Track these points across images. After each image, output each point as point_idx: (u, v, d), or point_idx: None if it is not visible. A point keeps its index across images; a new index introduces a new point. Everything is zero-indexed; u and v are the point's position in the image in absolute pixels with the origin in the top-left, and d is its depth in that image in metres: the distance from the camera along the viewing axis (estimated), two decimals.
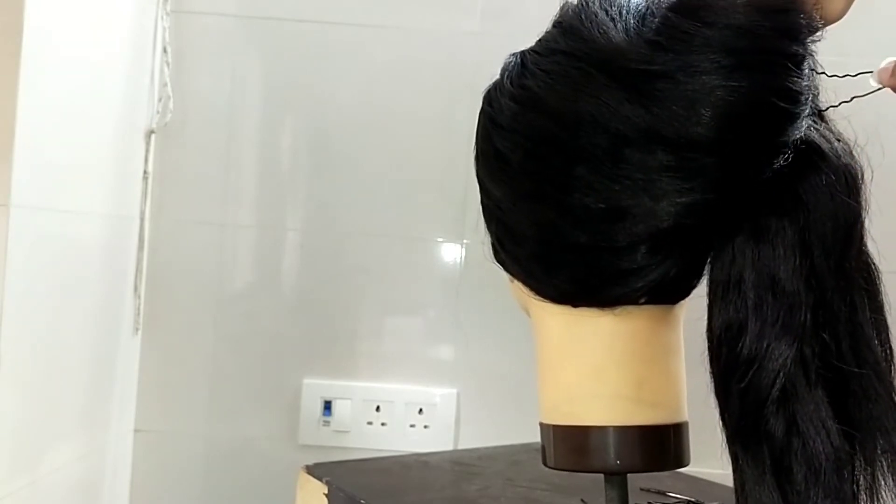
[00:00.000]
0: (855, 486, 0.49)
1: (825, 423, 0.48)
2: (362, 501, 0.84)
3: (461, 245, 1.28)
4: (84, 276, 1.07)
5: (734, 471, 0.50)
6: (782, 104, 0.49)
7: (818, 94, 0.53)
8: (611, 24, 0.52)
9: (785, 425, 0.48)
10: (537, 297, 0.57)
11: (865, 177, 0.50)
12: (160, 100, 1.26)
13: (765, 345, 0.48)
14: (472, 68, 1.18)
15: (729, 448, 0.50)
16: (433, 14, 1.27)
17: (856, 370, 0.49)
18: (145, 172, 1.25)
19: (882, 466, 0.49)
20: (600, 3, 0.53)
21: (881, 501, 0.49)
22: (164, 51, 1.25)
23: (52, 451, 1.01)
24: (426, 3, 1.28)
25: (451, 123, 1.25)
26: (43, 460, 0.98)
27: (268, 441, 1.28)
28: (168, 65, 1.26)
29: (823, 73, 0.52)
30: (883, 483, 0.49)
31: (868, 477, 0.49)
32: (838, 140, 0.51)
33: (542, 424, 0.59)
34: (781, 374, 0.48)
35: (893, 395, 0.50)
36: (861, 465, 0.49)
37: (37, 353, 0.94)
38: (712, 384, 0.51)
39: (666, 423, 0.55)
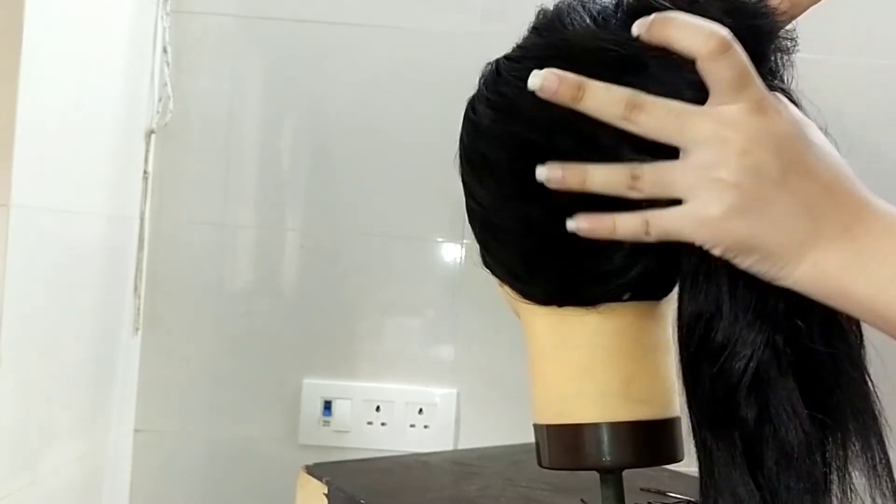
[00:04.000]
0: (826, 469, 0.50)
1: (796, 408, 0.49)
2: (362, 501, 0.84)
3: (461, 245, 1.28)
4: (84, 276, 1.07)
5: (700, 457, 0.51)
6: None
7: (786, 90, 0.53)
8: (586, 19, 0.52)
9: (756, 411, 0.49)
10: (523, 299, 0.58)
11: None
12: (160, 100, 1.26)
13: (737, 331, 0.49)
14: (472, 68, 1.18)
15: (696, 435, 0.51)
16: (433, 14, 1.27)
17: (828, 354, 0.50)
18: (145, 172, 1.25)
19: (854, 447, 0.50)
20: (578, 4, 0.54)
21: (852, 481, 0.50)
22: (164, 51, 1.25)
23: (52, 451, 1.01)
24: (426, 3, 1.28)
25: (451, 123, 1.24)
26: (43, 460, 0.98)
27: (268, 441, 1.28)
28: (168, 65, 1.26)
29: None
30: (855, 464, 0.50)
31: (840, 458, 0.50)
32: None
33: (535, 425, 0.60)
34: (754, 359, 0.48)
35: (866, 376, 0.51)
36: (832, 448, 0.50)
37: (37, 353, 0.94)
38: (681, 371, 0.51)
39: (655, 418, 0.56)
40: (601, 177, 0.49)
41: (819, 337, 0.50)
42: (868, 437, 0.50)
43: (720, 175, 0.46)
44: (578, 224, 0.50)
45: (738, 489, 0.49)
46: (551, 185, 0.50)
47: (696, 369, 0.51)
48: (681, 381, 0.52)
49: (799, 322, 0.49)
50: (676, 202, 0.48)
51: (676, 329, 0.52)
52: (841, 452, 0.50)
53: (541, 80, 0.49)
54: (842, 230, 0.46)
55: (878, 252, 0.46)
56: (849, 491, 0.50)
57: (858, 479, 0.50)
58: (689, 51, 0.47)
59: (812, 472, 0.49)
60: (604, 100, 0.48)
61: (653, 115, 0.47)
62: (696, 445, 0.51)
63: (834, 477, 0.50)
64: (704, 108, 0.47)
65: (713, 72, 0.47)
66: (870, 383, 0.51)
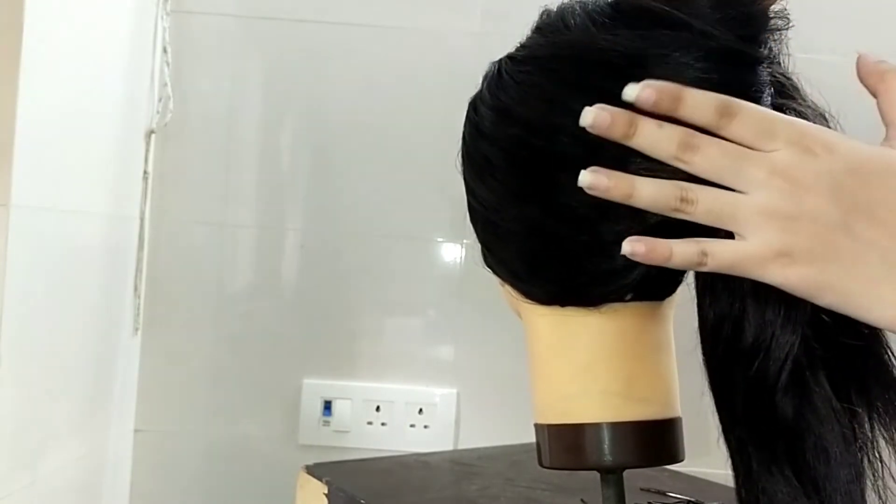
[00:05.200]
0: (861, 454, 0.50)
1: (832, 402, 0.48)
2: (362, 501, 0.84)
3: (461, 245, 1.28)
4: (84, 276, 1.07)
5: (735, 457, 0.51)
6: (746, 99, 0.49)
7: (787, 79, 0.53)
8: (587, 20, 0.52)
9: (793, 409, 0.48)
10: (525, 299, 0.58)
11: None
12: (160, 100, 1.26)
13: (769, 333, 0.48)
14: (472, 68, 1.18)
15: (729, 435, 0.51)
16: (433, 14, 1.27)
17: (855, 343, 0.49)
18: (145, 172, 1.25)
19: (883, 420, 0.50)
20: (580, 5, 0.54)
21: (881, 455, 0.50)
22: (164, 51, 1.25)
23: (52, 451, 1.01)
24: (426, 3, 1.28)
25: (451, 123, 1.24)
26: (43, 460, 0.98)
27: (268, 441, 1.28)
28: (168, 65, 1.26)
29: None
30: (883, 436, 0.50)
31: (869, 434, 0.50)
32: (820, 115, 0.52)
33: (536, 425, 0.60)
34: (789, 359, 0.48)
35: (889, 352, 0.51)
36: (865, 430, 0.50)
37: (37, 353, 0.94)
38: (706, 374, 0.51)
39: (657, 418, 0.56)
40: (649, 191, 0.47)
41: (846, 327, 0.49)
42: (894, 411, 0.50)
43: (778, 221, 0.45)
44: (634, 248, 0.47)
45: (779, 486, 0.49)
46: (594, 193, 0.48)
47: (727, 371, 0.50)
48: (681, 380, 0.51)
49: (825, 317, 0.49)
50: (728, 234, 0.46)
51: (699, 331, 0.51)
52: (868, 428, 0.50)
53: (592, 118, 0.48)
54: None
55: None
56: (877, 462, 0.50)
57: (890, 453, 0.50)
58: (702, 125, 0.47)
59: (852, 462, 0.49)
60: (656, 138, 0.47)
61: (708, 157, 0.46)
62: (730, 445, 0.51)
63: (866, 453, 0.50)
64: (761, 153, 0.46)
65: (734, 136, 0.46)
66: (893, 358, 0.50)
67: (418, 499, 0.89)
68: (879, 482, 0.50)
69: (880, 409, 0.50)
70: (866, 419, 0.50)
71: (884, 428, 0.50)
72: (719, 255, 0.46)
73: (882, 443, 0.50)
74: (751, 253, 0.46)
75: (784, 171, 0.45)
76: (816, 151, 0.45)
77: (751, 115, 0.46)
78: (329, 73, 1.28)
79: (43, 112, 0.90)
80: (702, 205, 0.46)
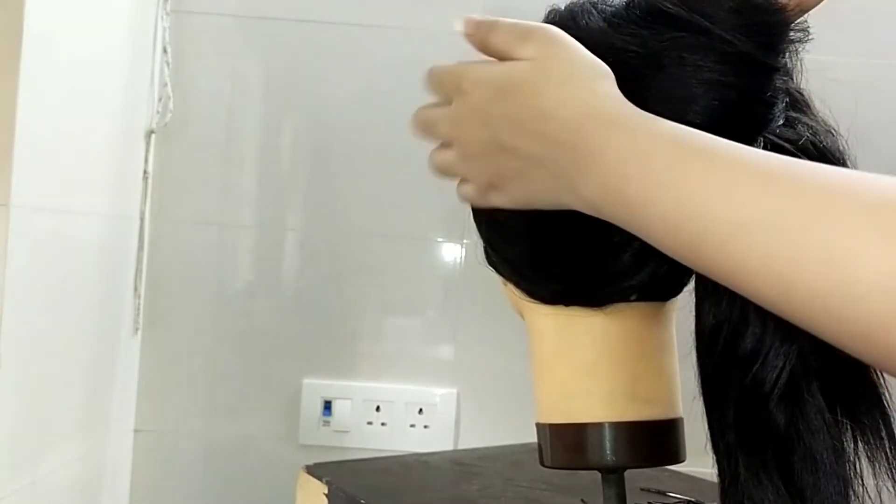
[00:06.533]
0: (850, 467, 0.50)
1: (824, 414, 0.48)
2: (362, 501, 0.84)
3: (461, 245, 1.28)
4: (84, 276, 1.07)
5: (723, 462, 0.50)
6: (761, 107, 0.49)
7: (799, 94, 0.53)
8: (599, 19, 0.52)
9: (786, 417, 0.48)
10: (529, 298, 0.58)
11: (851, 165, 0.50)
12: (160, 100, 1.26)
13: (768, 341, 0.48)
14: None
15: (718, 439, 0.50)
16: (433, 14, 1.27)
17: (847, 356, 0.49)
18: (145, 172, 1.25)
19: (869, 439, 0.50)
20: (589, 4, 0.54)
21: (861, 473, 0.50)
22: (164, 51, 1.25)
23: (52, 451, 1.01)
24: (426, 3, 1.28)
25: None
26: (43, 460, 0.98)
27: (268, 441, 1.28)
28: (168, 65, 1.26)
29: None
30: (866, 455, 0.50)
31: (854, 451, 0.50)
32: (828, 132, 0.51)
33: (538, 424, 0.60)
34: (786, 368, 0.48)
35: (878, 371, 0.50)
36: (849, 444, 0.50)
37: (37, 354, 0.94)
38: (699, 378, 0.51)
39: (660, 418, 0.56)
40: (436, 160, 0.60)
41: None
42: (880, 431, 0.49)
43: (466, 163, 0.54)
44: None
45: (766, 493, 0.48)
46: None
47: (721, 376, 0.50)
48: (681, 381, 0.51)
49: None
50: None
51: (696, 334, 0.51)
52: (853, 446, 0.50)
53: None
54: (571, 159, 0.47)
55: (617, 150, 0.45)
56: (858, 481, 0.50)
57: (873, 471, 0.50)
58: None
59: (841, 475, 0.49)
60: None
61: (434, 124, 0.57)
62: (718, 450, 0.50)
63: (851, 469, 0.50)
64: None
65: None
66: (880, 376, 0.50)
67: (418, 499, 0.89)
68: (858, 500, 0.50)
69: (865, 426, 0.50)
70: (852, 433, 0.50)
71: (866, 445, 0.50)
72: (462, 195, 0.56)
73: (864, 461, 0.50)
74: (472, 192, 0.54)
75: (454, 119, 0.53)
76: (467, 89, 0.52)
77: (443, 69, 0.56)
78: (329, 73, 1.28)
79: (43, 112, 0.90)
80: (434, 165, 0.58)
